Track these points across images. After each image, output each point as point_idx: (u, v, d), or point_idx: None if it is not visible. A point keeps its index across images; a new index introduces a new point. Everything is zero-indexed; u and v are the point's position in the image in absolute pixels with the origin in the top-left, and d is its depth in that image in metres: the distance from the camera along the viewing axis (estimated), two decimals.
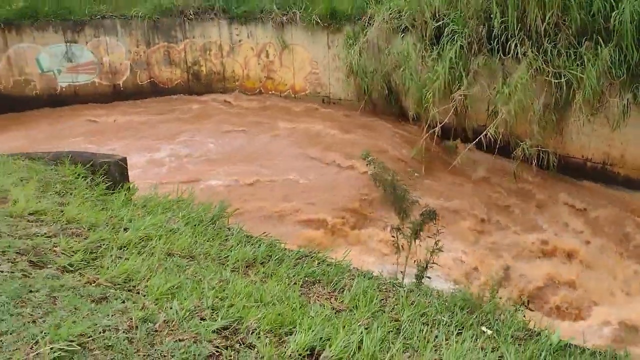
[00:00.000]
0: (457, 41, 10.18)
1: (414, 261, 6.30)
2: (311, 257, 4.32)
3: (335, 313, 3.30)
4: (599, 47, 9.18)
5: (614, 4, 9.03)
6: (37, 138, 11.24)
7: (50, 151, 6.35)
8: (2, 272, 2.91)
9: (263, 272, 3.87)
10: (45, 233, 3.60)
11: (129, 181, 6.13)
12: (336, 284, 3.85)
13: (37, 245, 3.30)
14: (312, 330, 2.77)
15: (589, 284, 8.08)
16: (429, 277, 5.80)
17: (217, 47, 13.10)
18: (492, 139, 9.75)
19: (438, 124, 10.17)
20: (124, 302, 2.85)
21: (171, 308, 2.79)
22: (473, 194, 9.69)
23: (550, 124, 9.95)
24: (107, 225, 4.02)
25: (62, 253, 3.31)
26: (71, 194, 5.22)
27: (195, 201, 5.84)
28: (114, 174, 5.94)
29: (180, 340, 2.53)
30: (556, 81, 9.56)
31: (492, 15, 10.01)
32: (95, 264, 3.32)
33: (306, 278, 4.05)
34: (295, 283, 3.78)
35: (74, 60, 12.78)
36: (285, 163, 10.36)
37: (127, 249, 3.67)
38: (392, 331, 3.15)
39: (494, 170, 10.36)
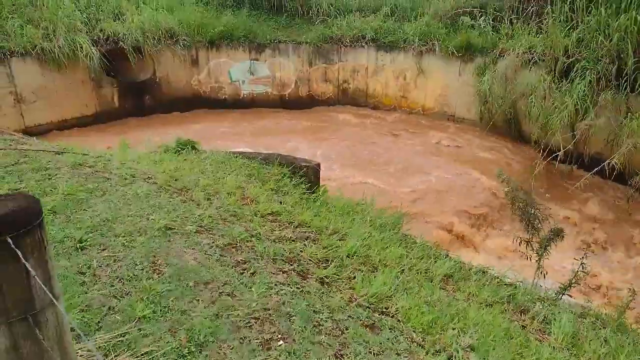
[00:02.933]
0: (586, 76, 9.16)
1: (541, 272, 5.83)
2: (483, 272, 4.01)
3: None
4: None
5: None
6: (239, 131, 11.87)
7: (261, 152, 6.51)
8: (281, 284, 2.70)
9: (459, 289, 3.61)
10: (290, 237, 3.51)
11: (320, 183, 6.13)
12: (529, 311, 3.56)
13: (291, 251, 3.19)
14: None
15: None
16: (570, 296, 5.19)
17: (364, 69, 12.92)
18: (612, 167, 8.69)
19: (562, 148, 9.23)
20: (391, 330, 2.63)
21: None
22: (590, 214, 8.71)
23: None
24: (327, 230, 3.87)
25: (309, 260, 3.17)
26: (283, 192, 5.26)
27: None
28: (310, 176, 5.97)
29: None
30: None
31: (622, 55, 8.90)
32: (342, 275, 3.11)
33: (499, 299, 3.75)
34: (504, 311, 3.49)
35: (255, 74, 13.24)
36: (419, 170, 9.99)
37: (353, 258, 3.47)
38: None
39: (607, 194, 9.24)
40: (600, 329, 3.75)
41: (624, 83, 8.84)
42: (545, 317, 3.65)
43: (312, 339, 2.38)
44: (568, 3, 9.79)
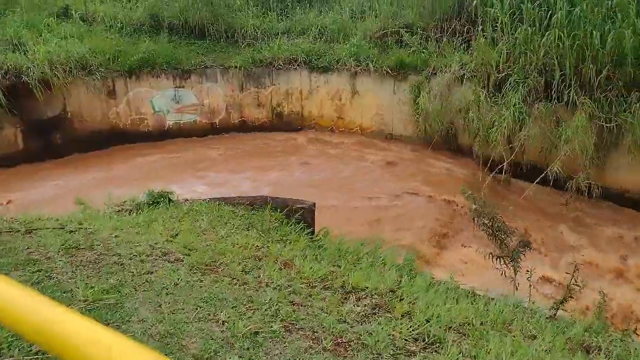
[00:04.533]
0: (519, 90, 9.75)
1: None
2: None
3: None
4: None
5: None
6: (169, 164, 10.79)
7: (244, 196, 5.86)
8: None
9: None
10: (363, 312, 3.02)
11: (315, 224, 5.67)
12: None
13: (377, 333, 2.72)
14: None
15: None
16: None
17: (298, 91, 12.63)
18: (549, 174, 9.34)
19: (505, 159, 9.72)
20: None
21: None
22: (538, 219, 9.24)
23: (596, 160, 9.49)
24: (383, 291, 3.48)
25: (404, 341, 2.73)
26: (289, 241, 4.74)
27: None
28: (307, 218, 5.49)
29: None
30: (607, 125, 9.13)
31: (549, 69, 9.65)
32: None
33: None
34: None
35: (180, 102, 12.30)
36: (366, 189, 9.89)
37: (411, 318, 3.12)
38: None
39: (549, 199, 9.90)
40: None
41: (552, 94, 9.53)
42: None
43: None
44: (493, 22, 10.39)
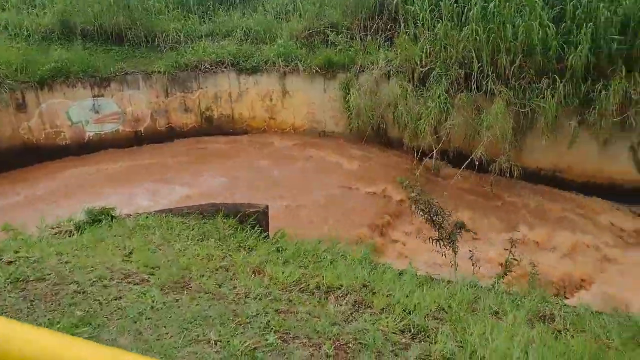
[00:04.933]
0: (442, 82, 10.23)
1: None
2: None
3: None
4: (555, 82, 9.55)
5: (565, 50, 9.45)
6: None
7: (192, 205, 5.57)
8: None
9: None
10: (347, 311, 2.98)
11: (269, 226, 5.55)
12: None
13: (361, 330, 2.70)
14: None
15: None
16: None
17: (227, 94, 12.34)
18: (472, 159, 9.91)
19: (434, 148, 10.17)
20: None
21: None
22: (468, 202, 9.78)
23: (514, 143, 10.21)
24: (358, 286, 3.47)
25: (393, 334, 2.73)
26: (249, 247, 4.59)
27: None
28: (262, 221, 5.35)
29: None
30: (522, 110, 9.85)
31: (468, 61, 10.21)
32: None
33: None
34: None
35: (100, 111, 11.53)
36: (306, 186, 9.91)
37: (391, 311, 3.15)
38: None
39: (475, 182, 10.50)
40: None
41: (472, 85, 10.11)
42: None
43: None
44: (413, 19, 10.81)
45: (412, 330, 2.92)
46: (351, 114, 11.45)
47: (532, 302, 4.15)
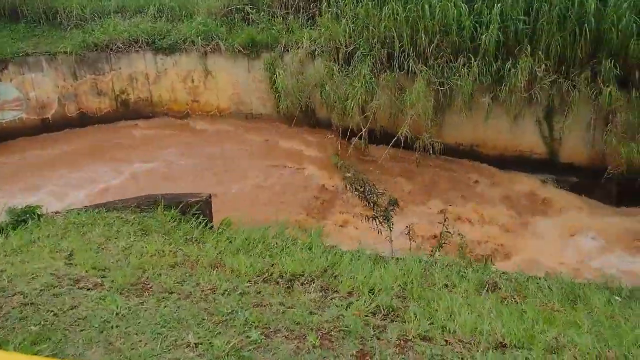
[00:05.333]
0: (366, 62, 10.40)
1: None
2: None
3: None
4: (470, 61, 10.09)
5: (478, 29, 9.97)
6: None
7: (128, 198, 5.17)
8: None
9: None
10: (317, 298, 2.94)
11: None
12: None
13: (338, 317, 2.68)
14: None
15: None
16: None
17: (144, 76, 11.59)
18: (398, 137, 10.27)
19: (363, 128, 10.38)
20: None
21: None
22: (398, 178, 10.17)
23: (436, 120, 10.70)
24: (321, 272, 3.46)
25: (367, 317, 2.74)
26: (197, 240, 4.39)
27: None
28: (205, 210, 5.15)
29: None
30: (442, 89, 10.32)
31: (389, 41, 10.44)
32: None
33: None
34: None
35: None
36: (238, 171, 9.72)
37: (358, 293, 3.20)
38: None
39: (401, 159, 10.90)
40: None
41: (395, 65, 10.39)
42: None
43: None
44: None
45: (383, 312, 3.01)
46: (279, 95, 11.30)
47: (477, 273, 4.43)
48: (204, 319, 2.58)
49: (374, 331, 2.59)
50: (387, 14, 10.25)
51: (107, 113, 11.63)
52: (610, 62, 9.27)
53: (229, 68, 11.67)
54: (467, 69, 10.10)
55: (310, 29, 11.23)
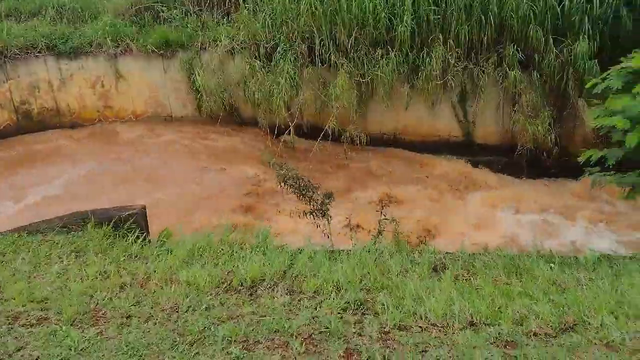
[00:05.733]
0: (288, 57, 10.33)
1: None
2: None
3: None
4: (388, 52, 10.39)
5: (394, 22, 10.29)
6: None
7: (53, 218, 4.66)
8: None
9: None
10: (287, 302, 2.81)
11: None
12: None
13: (313, 318, 2.58)
14: None
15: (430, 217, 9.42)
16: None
17: (47, 83, 10.63)
18: (324, 130, 10.34)
19: (291, 124, 10.32)
20: None
21: None
22: (329, 171, 10.25)
23: (360, 112, 10.91)
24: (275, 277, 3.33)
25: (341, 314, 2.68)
26: (137, 257, 4.08)
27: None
28: (141, 223, 4.81)
29: None
30: (363, 80, 10.54)
31: (309, 36, 10.46)
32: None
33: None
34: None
35: None
36: (166, 177, 9.27)
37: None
38: None
39: (331, 153, 10.99)
40: None
41: (316, 59, 10.44)
42: None
43: None
44: None
45: (353, 307, 3.00)
46: (200, 95, 10.90)
47: (425, 256, 4.58)
48: (175, 341, 2.40)
49: (354, 328, 2.58)
50: (305, 8, 10.26)
51: (6, 127, 10.51)
52: (513, 47, 10.01)
53: (143, 70, 11.04)
54: (385, 60, 10.39)
55: (228, 25, 10.93)
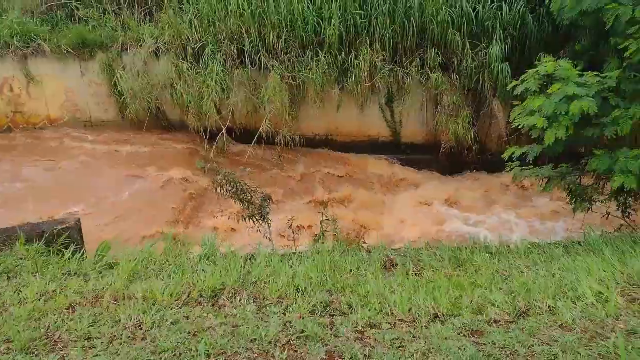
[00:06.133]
0: (217, 59, 10.12)
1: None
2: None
3: None
4: (317, 54, 10.53)
5: (322, 24, 10.45)
6: None
7: None
8: None
9: None
10: (253, 310, 2.73)
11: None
12: None
13: (286, 324, 2.55)
14: None
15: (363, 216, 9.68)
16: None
17: None
18: (258, 133, 10.27)
19: (223, 127, 10.11)
20: None
21: None
22: (265, 174, 10.18)
23: (293, 114, 10.95)
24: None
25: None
26: (79, 273, 3.81)
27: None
28: (76, 237, 4.49)
29: None
30: (294, 82, 10.59)
31: (238, 37, 10.31)
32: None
33: None
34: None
35: None
36: (93, 187, 8.69)
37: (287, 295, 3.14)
38: None
39: (265, 156, 10.91)
40: None
41: (246, 61, 10.34)
42: None
43: None
44: None
45: (320, 309, 3.04)
46: (123, 98, 10.33)
47: (375, 254, 4.73)
48: None
49: (330, 330, 2.62)
50: (233, 9, 10.10)
51: None
52: (434, 50, 10.59)
53: (58, 72, 10.24)
54: (315, 62, 10.54)
55: (151, 25, 10.47)
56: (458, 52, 10.59)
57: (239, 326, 2.66)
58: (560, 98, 5.52)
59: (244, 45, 10.29)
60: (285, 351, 2.36)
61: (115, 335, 2.59)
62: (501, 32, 10.37)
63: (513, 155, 6.61)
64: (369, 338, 2.53)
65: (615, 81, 5.72)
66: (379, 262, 4.53)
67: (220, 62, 10.16)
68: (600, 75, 5.82)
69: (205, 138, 10.33)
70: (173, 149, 10.33)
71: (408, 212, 9.72)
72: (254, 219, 6.91)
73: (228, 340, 2.47)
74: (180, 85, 10.04)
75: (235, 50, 10.35)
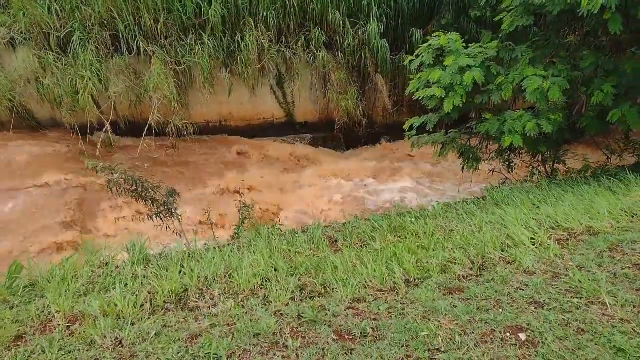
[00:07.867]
0: (88, 47, 9.17)
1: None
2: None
3: None
4: (201, 37, 10.11)
5: (201, 5, 10.01)
6: None
7: None
8: None
9: None
10: (239, 305, 2.58)
11: None
12: None
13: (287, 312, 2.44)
14: None
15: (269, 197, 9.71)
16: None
17: None
18: (147, 124, 9.62)
19: (106, 121, 9.25)
20: None
21: None
22: (163, 168, 9.58)
23: (182, 101, 10.44)
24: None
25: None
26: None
27: None
28: None
29: None
30: (179, 68, 10.07)
31: (110, 22, 9.43)
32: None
33: None
34: None
35: None
36: None
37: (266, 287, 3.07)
38: None
39: (157, 148, 10.23)
40: None
41: (123, 47, 9.55)
42: None
43: None
44: None
45: (298, 293, 3.06)
46: None
47: (315, 232, 4.81)
48: None
49: (324, 311, 2.66)
50: None
51: None
52: (317, 29, 10.84)
53: None
54: (200, 45, 10.11)
55: (1, 12, 9.06)
56: (340, 31, 10.98)
57: (233, 324, 2.58)
58: (455, 69, 6.09)
59: (117, 31, 9.46)
60: (297, 339, 2.37)
61: (98, 359, 2.35)
62: (376, 9, 10.98)
63: (413, 125, 7.14)
64: (365, 311, 2.64)
65: (495, 51, 6.49)
66: (322, 240, 4.65)
67: (92, 51, 9.22)
68: (483, 46, 6.55)
69: (87, 135, 9.40)
70: (49, 151, 9.19)
71: (314, 188, 9.98)
72: (161, 217, 6.55)
73: (230, 340, 2.39)
74: (47, 79, 8.92)
75: (107, 37, 9.47)
